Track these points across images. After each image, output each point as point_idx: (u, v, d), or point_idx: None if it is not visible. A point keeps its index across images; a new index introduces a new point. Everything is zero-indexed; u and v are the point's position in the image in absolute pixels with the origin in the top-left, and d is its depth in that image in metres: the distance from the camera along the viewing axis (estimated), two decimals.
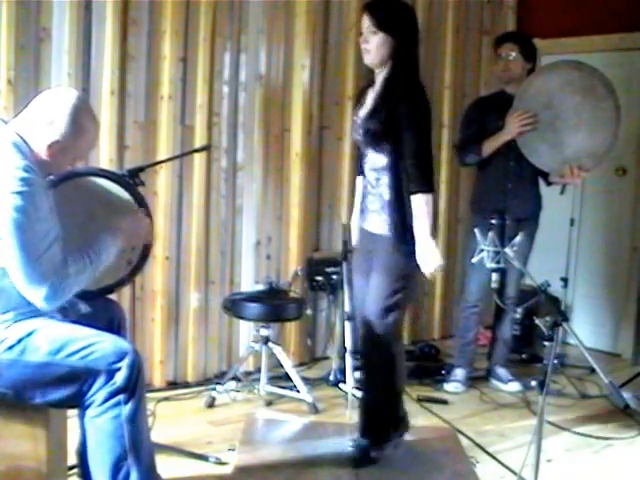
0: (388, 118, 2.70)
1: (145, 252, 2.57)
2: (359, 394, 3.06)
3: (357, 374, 3.62)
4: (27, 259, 2.01)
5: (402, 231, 2.75)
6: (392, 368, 2.89)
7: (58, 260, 2.07)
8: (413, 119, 2.69)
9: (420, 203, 2.69)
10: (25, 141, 2.13)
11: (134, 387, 2.11)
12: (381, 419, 2.95)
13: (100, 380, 2.09)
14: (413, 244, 2.74)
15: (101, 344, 2.13)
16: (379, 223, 2.82)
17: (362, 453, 2.92)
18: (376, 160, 2.80)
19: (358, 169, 3.04)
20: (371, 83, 2.87)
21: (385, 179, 2.78)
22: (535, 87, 3.62)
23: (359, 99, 2.94)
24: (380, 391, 2.93)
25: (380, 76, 2.81)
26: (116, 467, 2.11)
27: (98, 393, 2.10)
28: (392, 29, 2.70)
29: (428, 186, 2.70)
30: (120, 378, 2.09)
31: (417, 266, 2.75)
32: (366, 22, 2.73)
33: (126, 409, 2.10)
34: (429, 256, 2.69)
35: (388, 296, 2.79)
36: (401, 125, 2.68)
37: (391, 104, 2.70)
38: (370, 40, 2.73)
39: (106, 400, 2.10)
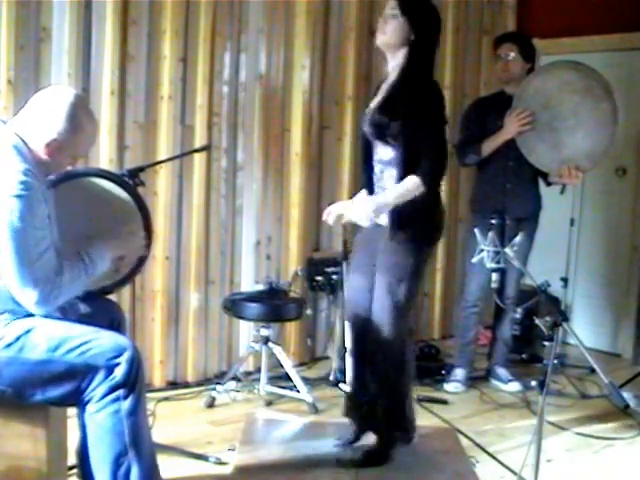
0: (399, 113, 2.67)
1: (138, 265, 2.57)
2: (355, 393, 3.01)
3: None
4: (21, 263, 2.02)
5: (404, 226, 2.72)
6: (402, 369, 2.86)
7: (52, 266, 2.07)
8: (430, 117, 2.68)
9: (408, 183, 2.66)
10: (25, 142, 2.13)
11: (133, 382, 2.11)
12: (389, 423, 2.90)
13: (99, 376, 2.09)
14: (418, 240, 2.73)
15: (99, 340, 2.13)
16: (383, 215, 2.79)
17: (367, 456, 2.89)
18: (383, 153, 2.79)
19: (363, 164, 2.96)
20: (384, 78, 2.85)
21: (391, 172, 2.76)
22: (534, 87, 3.62)
23: (375, 93, 2.92)
24: (390, 393, 2.88)
25: (392, 63, 2.78)
26: (117, 463, 2.11)
27: (97, 389, 2.10)
28: (413, 17, 2.69)
29: (429, 184, 2.68)
30: (119, 373, 2.09)
31: (423, 261, 2.75)
32: (391, 3, 2.72)
33: (126, 404, 2.10)
34: (362, 211, 2.68)
35: (393, 289, 2.76)
36: (415, 122, 2.66)
37: (404, 99, 2.68)
38: (389, 22, 2.72)
39: (105, 395, 2.09)
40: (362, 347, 2.94)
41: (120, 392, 2.10)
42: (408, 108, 2.67)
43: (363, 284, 2.91)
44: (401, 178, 2.71)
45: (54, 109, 2.15)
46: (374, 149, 2.85)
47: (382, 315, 2.79)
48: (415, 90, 2.69)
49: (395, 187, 2.71)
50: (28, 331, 2.11)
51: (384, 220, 2.79)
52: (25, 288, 2.04)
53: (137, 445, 2.13)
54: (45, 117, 2.14)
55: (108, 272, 2.38)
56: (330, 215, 2.94)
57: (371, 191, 2.89)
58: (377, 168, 2.84)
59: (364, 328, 2.89)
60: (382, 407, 2.88)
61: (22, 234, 2.01)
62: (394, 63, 2.78)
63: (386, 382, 2.87)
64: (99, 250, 2.25)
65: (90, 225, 2.40)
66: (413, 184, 2.66)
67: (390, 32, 2.72)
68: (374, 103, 2.84)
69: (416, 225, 2.74)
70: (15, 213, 2.00)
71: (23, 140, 2.13)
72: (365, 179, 2.93)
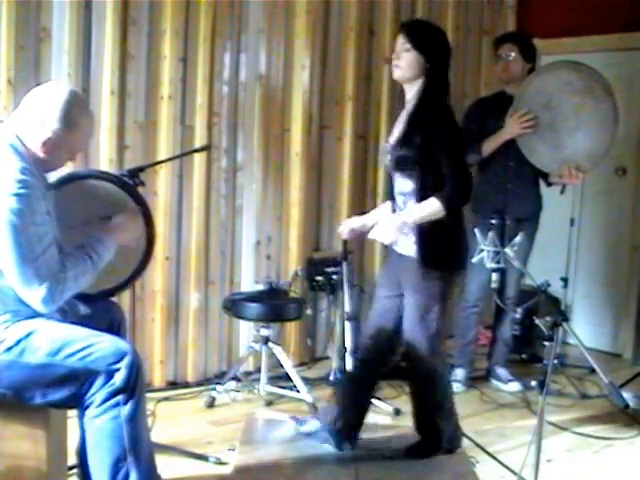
0: (418, 146, 2.69)
1: (149, 244, 2.57)
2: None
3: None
4: (22, 261, 2.01)
5: (431, 255, 2.74)
6: (434, 386, 2.89)
7: (55, 263, 2.06)
8: (449, 147, 2.69)
9: (432, 205, 2.67)
10: (22, 141, 2.13)
11: (133, 387, 2.11)
12: (432, 436, 2.95)
13: (99, 381, 2.09)
14: (442, 268, 2.77)
15: (100, 345, 2.13)
16: (408, 245, 2.80)
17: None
18: (403, 185, 2.80)
19: (388, 194, 3.01)
20: (403, 105, 2.87)
21: (412, 203, 2.77)
22: (534, 87, 3.62)
23: (396, 119, 2.93)
24: (428, 409, 2.93)
25: (409, 95, 2.81)
26: (115, 467, 2.11)
27: (97, 394, 2.10)
28: (425, 49, 2.73)
29: (449, 208, 2.68)
30: (119, 379, 2.09)
31: (450, 288, 2.80)
32: (401, 39, 2.76)
33: (125, 410, 2.10)
34: (386, 229, 2.72)
35: (424, 315, 2.79)
36: (435, 152, 2.67)
37: (422, 132, 2.70)
38: (402, 57, 2.75)
39: (105, 400, 2.10)
40: (370, 367, 2.98)
41: (120, 397, 2.10)
42: (425, 137, 2.69)
43: (387, 297, 2.93)
44: None
45: (47, 107, 2.14)
46: (394, 182, 2.87)
47: (411, 333, 2.82)
48: (433, 124, 2.70)
49: (417, 206, 2.72)
50: (29, 335, 2.11)
51: (410, 250, 2.79)
52: (31, 286, 2.03)
53: (136, 450, 2.13)
54: (39, 115, 2.13)
55: (116, 263, 2.37)
56: (345, 227, 3.04)
57: None
58: (399, 200, 2.85)
59: (381, 351, 2.93)
60: (425, 420, 2.95)
61: (24, 232, 2.01)
62: (412, 92, 2.80)
63: (421, 397, 2.94)
64: (102, 242, 2.25)
65: (91, 224, 2.40)
66: (435, 206, 2.67)
67: (405, 66, 2.75)
68: (395, 136, 2.84)
69: (443, 253, 2.77)
70: (15, 211, 2.00)
71: (20, 138, 2.13)
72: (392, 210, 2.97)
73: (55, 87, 2.22)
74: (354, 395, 3.00)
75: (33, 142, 2.14)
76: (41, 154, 2.15)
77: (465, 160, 2.79)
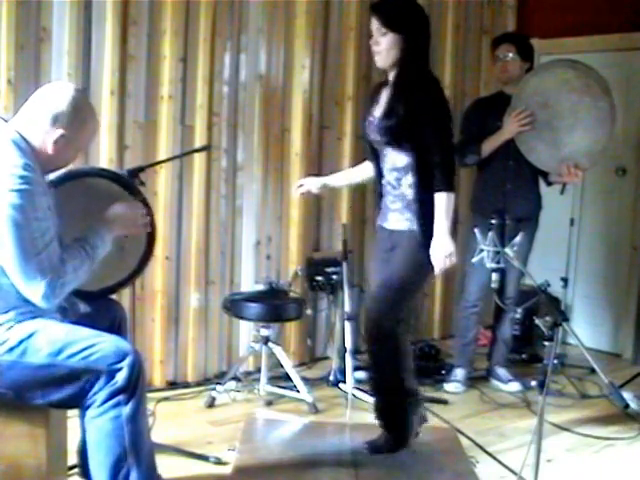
0: (406, 115, 2.65)
1: (150, 241, 2.56)
2: (370, 392, 3.02)
3: (358, 374, 3.63)
4: (24, 257, 2.01)
5: (429, 228, 2.70)
6: (398, 358, 2.83)
7: (56, 258, 2.07)
8: (432, 114, 2.66)
9: (442, 201, 2.66)
10: (25, 138, 2.13)
11: (134, 387, 2.11)
12: (397, 411, 2.89)
13: (101, 380, 2.09)
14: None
15: (102, 345, 2.13)
16: (402, 221, 2.79)
17: (384, 443, 2.94)
18: (396, 159, 2.76)
19: (370, 160, 2.97)
20: (385, 82, 2.83)
21: (408, 178, 2.75)
22: (532, 86, 3.63)
23: (373, 97, 2.89)
24: (390, 383, 2.87)
25: (393, 74, 2.76)
26: (116, 467, 2.11)
27: (99, 393, 2.10)
28: (401, 28, 2.66)
29: (451, 185, 2.68)
30: (120, 378, 2.09)
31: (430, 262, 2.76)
32: (375, 24, 2.69)
33: (126, 409, 2.10)
34: (443, 252, 2.67)
35: (402, 286, 2.76)
36: (420, 121, 2.64)
37: (407, 100, 2.66)
38: (380, 42, 2.69)
39: (106, 400, 2.10)
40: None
41: (121, 397, 2.10)
42: (415, 110, 2.65)
43: (381, 267, 2.91)
44: (419, 183, 2.70)
45: (60, 106, 2.15)
46: (383, 157, 2.83)
47: (381, 300, 2.78)
48: (417, 92, 2.67)
49: (438, 215, 2.67)
50: (31, 335, 2.11)
51: (402, 225, 2.79)
52: (32, 281, 2.04)
53: (137, 450, 2.13)
54: (51, 114, 2.14)
55: (116, 253, 2.36)
56: (301, 188, 3.09)
57: (381, 200, 2.90)
58: (391, 176, 2.81)
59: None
60: (385, 397, 2.91)
61: (26, 227, 2.01)
62: (394, 70, 2.76)
63: (383, 370, 2.87)
64: (98, 233, 2.24)
65: (91, 223, 2.40)
66: (443, 198, 2.66)
67: (385, 52, 2.70)
68: (379, 111, 2.80)
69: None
70: (17, 207, 2.00)
71: (22, 136, 2.13)
72: (379, 188, 2.93)
73: (63, 86, 2.24)
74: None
75: (40, 140, 2.15)
76: (50, 152, 2.16)
77: (450, 132, 2.73)
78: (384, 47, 2.69)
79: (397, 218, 2.82)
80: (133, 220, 2.40)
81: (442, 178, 2.66)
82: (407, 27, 2.68)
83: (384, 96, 2.81)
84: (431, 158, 2.65)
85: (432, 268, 2.73)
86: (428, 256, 2.70)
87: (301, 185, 3.09)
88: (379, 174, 2.89)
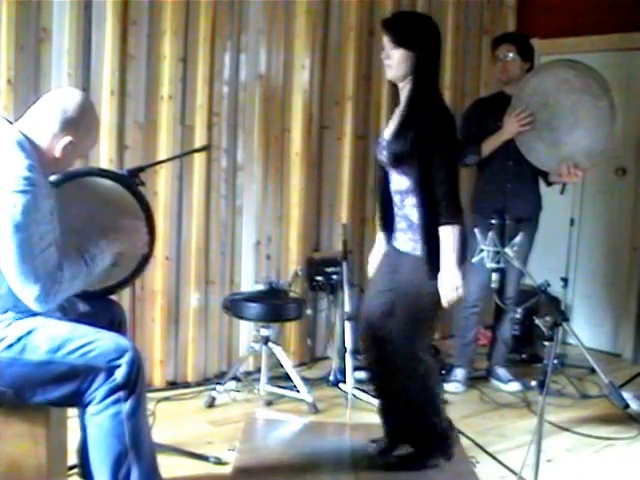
0: (412, 141, 2.66)
1: (142, 263, 2.57)
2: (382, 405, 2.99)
3: (359, 374, 3.63)
4: (21, 259, 2.01)
5: (429, 251, 2.70)
6: (423, 387, 2.83)
7: (53, 262, 2.06)
8: (439, 146, 2.65)
9: (448, 233, 2.65)
10: (30, 140, 2.13)
11: (134, 384, 2.11)
12: (421, 435, 2.89)
13: (100, 377, 2.10)
14: (439, 264, 2.71)
15: (101, 341, 2.13)
16: (406, 241, 2.79)
17: (402, 461, 2.92)
18: (400, 182, 2.77)
19: (379, 191, 2.99)
20: (398, 101, 2.83)
21: (410, 200, 2.74)
22: (532, 86, 3.62)
23: (389, 117, 2.90)
24: (415, 410, 2.86)
25: (404, 92, 2.76)
26: (117, 464, 2.11)
27: (98, 390, 2.10)
28: (412, 44, 2.67)
29: (456, 218, 2.66)
30: (120, 375, 2.10)
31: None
32: (385, 38, 2.71)
33: (126, 406, 2.10)
34: (450, 285, 2.65)
35: (415, 315, 2.76)
36: (427, 150, 2.64)
37: (416, 128, 2.66)
38: (392, 55, 2.69)
39: (106, 397, 2.10)
40: (381, 366, 2.92)
41: (121, 394, 2.10)
42: (419, 134, 2.65)
43: (381, 307, 2.88)
44: (421, 204, 2.69)
45: (68, 111, 2.16)
46: (390, 177, 2.83)
47: (399, 334, 2.78)
48: (427, 120, 2.66)
49: (444, 248, 2.65)
50: (29, 332, 2.11)
51: (408, 247, 2.78)
52: (26, 284, 2.03)
53: (137, 447, 2.13)
54: (59, 119, 2.15)
55: (109, 268, 2.37)
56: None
57: (391, 219, 2.88)
58: (396, 198, 2.81)
59: (381, 349, 2.87)
60: (411, 423, 2.89)
61: (26, 229, 2.01)
62: (406, 90, 2.75)
63: (409, 401, 2.85)
64: (99, 246, 2.25)
65: (91, 224, 2.40)
66: (449, 231, 2.64)
67: (395, 66, 2.70)
68: (388, 131, 2.81)
69: (436, 249, 2.70)
70: (19, 208, 2.00)
71: (27, 138, 2.13)
72: (382, 208, 2.92)
73: (73, 92, 2.25)
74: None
75: (47, 143, 2.15)
76: (57, 156, 2.17)
77: (456, 162, 2.74)
78: (395, 61, 2.70)
79: (402, 238, 2.82)
80: (135, 241, 2.42)
81: (447, 210, 2.65)
82: (418, 43, 2.69)
83: (395, 118, 2.81)
84: (436, 190, 2.64)
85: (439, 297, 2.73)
86: (434, 284, 2.69)
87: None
88: (388, 196, 2.88)
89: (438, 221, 2.65)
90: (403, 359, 2.79)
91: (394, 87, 2.83)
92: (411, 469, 2.88)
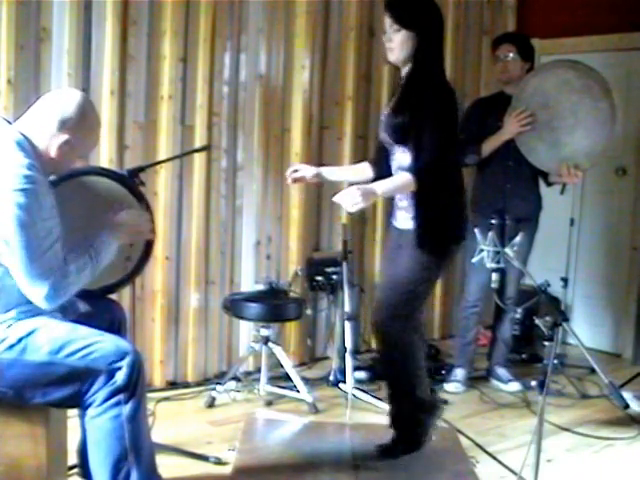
0: (411, 115, 2.65)
1: (147, 249, 2.57)
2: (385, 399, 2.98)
3: (359, 374, 3.63)
4: (29, 257, 2.01)
5: (430, 229, 2.69)
6: (408, 357, 2.81)
7: (60, 258, 2.07)
8: (435, 117, 2.63)
9: (399, 178, 2.65)
10: (29, 140, 2.13)
11: (134, 387, 2.11)
12: (409, 419, 2.88)
13: (100, 380, 2.09)
14: (441, 243, 2.71)
15: (101, 344, 2.13)
16: (408, 219, 2.78)
17: (392, 445, 2.91)
18: (402, 159, 2.75)
19: (372, 160, 2.98)
20: (400, 82, 2.82)
21: None
22: (532, 87, 3.62)
23: (390, 98, 2.90)
24: (401, 389, 2.87)
25: (405, 70, 2.75)
26: (116, 467, 2.11)
27: (98, 393, 2.10)
28: (414, 25, 2.67)
29: (422, 180, 2.62)
30: (120, 377, 2.10)
31: (440, 265, 2.74)
32: (388, 20, 2.69)
33: (126, 409, 2.10)
34: (354, 195, 2.51)
35: (406, 287, 2.74)
36: (423, 121, 2.62)
37: (416, 99, 2.65)
38: (393, 38, 2.69)
39: (106, 400, 2.10)
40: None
41: (121, 396, 2.10)
42: (417, 106, 2.64)
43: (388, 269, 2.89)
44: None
45: (68, 112, 2.16)
46: (392, 156, 2.82)
47: (388, 303, 2.77)
48: (425, 93, 2.65)
49: (386, 180, 2.66)
50: (30, 333, 2.11)
51: (408, 224, 2.77)
52: (35, 282, 2.03)
53: (137, 449, 2.13)
54: (59, 120, 2.15)
55: (121, 263, 2.37)
56: (295, 173, 2.98)
57: (391, 199, 2.88)
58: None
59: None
60: (398, 395, 2.89)
61: (31, 227, 2.01)
62: (405, 69, 2.76)
63: (394, 371, 2.85)
64: (103, 239, 2.25)
65: (93, 221, 2.40)
66: (405, 180, 2.63)
67: (397, 48, 2.69)
68: (388, 109, 2.80)
69: (440, 227, 2.71)
70: (22, 207, 2.00)
71: (27, 137, 2.13)
72: None
73: (72, 92, 2.25)
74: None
75: (45, 143, 2.15)
76: (53, 156, 2.16)
77: (447, 133, 2.68)
78: (397, 43, 2.69)
79: (404, 217, 2.81)
80: (139, 229, 2.42)
81: (418, 169, 2.62)
82: (420, 24, 2.68)
83: (396, 95, 2.81)
84: (422, 153, 2.63)
85: (438, 269, 2.73)
86: (432, 258, 2.69)
87: (295, 170, 3.00)
88: (389, 174, 2.85)
89: (434, 195, 2.64)
90: (389, 324, 2.76)
91: (396, 70, 2.81)
92: (409, 452, 2.88)
